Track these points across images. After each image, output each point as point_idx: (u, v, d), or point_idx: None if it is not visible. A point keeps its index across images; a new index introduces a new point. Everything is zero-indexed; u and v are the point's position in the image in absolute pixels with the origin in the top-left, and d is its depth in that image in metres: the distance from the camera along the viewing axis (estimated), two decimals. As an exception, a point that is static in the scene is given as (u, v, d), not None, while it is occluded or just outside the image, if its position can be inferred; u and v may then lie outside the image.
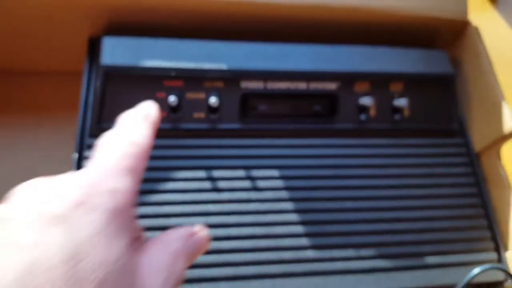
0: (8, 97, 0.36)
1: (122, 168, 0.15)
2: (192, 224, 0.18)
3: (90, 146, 0.28)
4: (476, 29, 0.33)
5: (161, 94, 0.29)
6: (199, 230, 0.17)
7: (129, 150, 0.16)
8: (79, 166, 0.27)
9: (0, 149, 0.34)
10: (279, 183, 0.29)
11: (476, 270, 0.26)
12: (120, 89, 0.28)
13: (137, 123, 0.18)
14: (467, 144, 0.32)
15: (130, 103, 0.28)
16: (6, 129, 0.35)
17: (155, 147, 0.29)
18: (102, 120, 0.28)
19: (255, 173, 0.29)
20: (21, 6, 0.29)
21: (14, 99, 0.36)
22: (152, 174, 0.28)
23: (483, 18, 0.47)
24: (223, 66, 0.30)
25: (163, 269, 0.15)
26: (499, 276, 0.28)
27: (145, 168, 0.17)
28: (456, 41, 0.35)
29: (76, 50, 0.32)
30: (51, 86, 0.37)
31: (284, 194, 0.29)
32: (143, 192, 0.27)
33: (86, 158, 0.27)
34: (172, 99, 0.28)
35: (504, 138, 0.30)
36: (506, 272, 0.27)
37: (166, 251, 0.15)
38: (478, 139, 0.32)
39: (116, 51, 0.29)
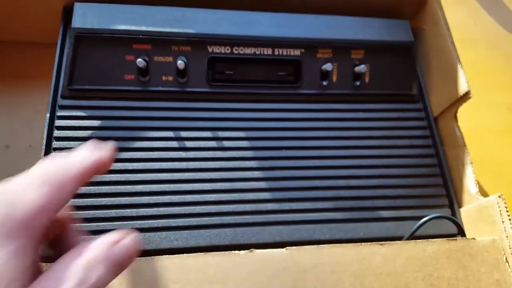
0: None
1: (42, 181, 0.15)
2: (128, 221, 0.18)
3: (62, 107, 0.29)
4: (437, 1, 0.34)
5: (129, 57, 0.30)
6: (124, 236, 0.17)
7: (59, 168, 0.16)
8: (50, 126, 0.29)
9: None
10: (243, 143, 0.30)
11: (426, 218, 0.28)
12: (91, 51, 0.30)
13: (84, 152, 0.18)
14: (426, 108, 0.34)
15: (100, 66, 0.30)
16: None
17: (126, 108, 0.30)
18: (73, 83, 0.29)
19: (221, 134, 0.30)
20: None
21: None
22: (122, 133, 0.29)
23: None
24: (190, 30, 0.31)
25: (71, 277, 0.14)
26: (451, 229, 0.30)
27: (75, 194, 0.17)
28: (419, 12, 0.36)
29: (54, 20, 0.34)
30: (32, 56, 0.38)
31: (247, 153, 0.30)
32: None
33: (59, 117, 0.29)
34: (141, 61, 0.30)
35: (460, 100, 0.31)
36: (455, 222, 0.29)
37: (78, 259, 0.15)
38: (437, 104, 0.34)
39: (87, 16, 0.30)
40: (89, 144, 0.18)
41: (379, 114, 0.33)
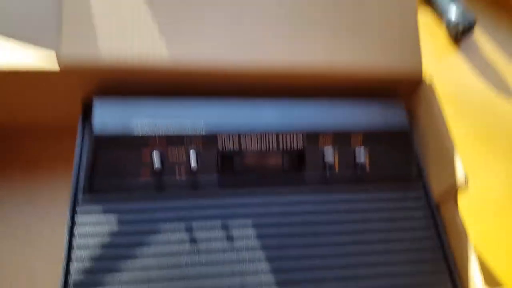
0: (4, 153, 0.40)
1: None
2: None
3: (83, 207, 0.31)
4: (430, 85, 0.37)
5: (145, 152, 0.33)
6: None
7: None
8: (71, 228, 0.30)
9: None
10: (253, 242, 0.31)
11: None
12: (109, 152, 0.32)
13: None
14: (426, 194, 0.35)
15: (118, 166, 0.32)
16: (3, 184, 0.38)
17: (141, 211, 0.31)
18: (93, 182, 0.31)
19: (232, 232, 0.32)
20: (15, 75, 0.33)
21: (11, 154, 0.39)
22: (138, 238, 0.30)
23: (446, 62, 0.51)
24: (201, 127, 0.33)
25: None
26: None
27: None
28: (413, 93, 0.39)
29: (71, 107, 0.36)
30: (47, 141, 0.40)
31: (256, 253, 0.31)
32: (126, 257, 0.30)
33: (79, 224, 0.30)
34: (156, 158, 0.32)
35: (458, 188, 0.33)
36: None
37: None
38: (437, 189, 0.35)
39: (106, 115, 0.32)
40: None
41: (381, 204, 0.34)
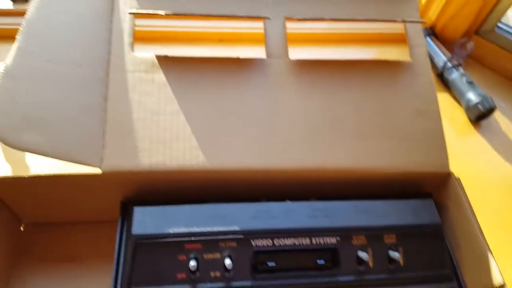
0: (45, 248, 0.41)
1: None
2: None
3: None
4: (457, 181, 0.37)
5: (182, 257, 0.33)
6: None
7: None
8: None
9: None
10: None
11: None
12: (148, 255, 0.33)
13: None
14: (461, 288, 0.35)
15: (155, 267, 0.33)
16: (46, 277, 0.39)
17: None
18: (132, 283, 0.32)
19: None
20: (62, 178, 0.35)
21: (51, 249, 0.41)
22: None
23: (467, 142, 0.52)
24: (235, 228, 0.34)
25: None
26: None
27: None
28: (441, 187, 0.39)
29: (110, 205, 0.38)
30: (85, 235, 0.42)
31: None
32: None
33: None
34: (192, 262, 0.32)
35: (495, 288, 0.33)
36: None
37: None
38: (472, 285, 0.35)
39: (145, 221, 0.34)
40: None
41: None
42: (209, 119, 0.36)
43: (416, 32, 0.38)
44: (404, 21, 0.37)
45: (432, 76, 0.38)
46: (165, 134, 0.35)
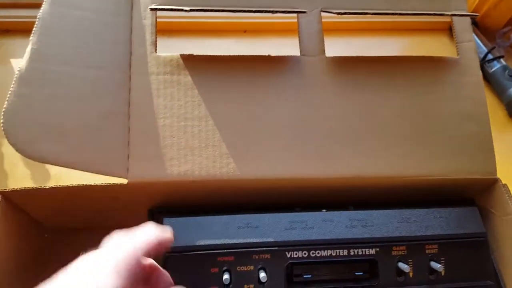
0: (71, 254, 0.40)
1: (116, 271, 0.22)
2: None
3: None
4: (505, 187, 0.35)
5: (214, 269, 0.32)
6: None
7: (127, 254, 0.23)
8: None
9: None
10: None
11: None
12: (179, 268, 0.31)
13: (148, 230, 0.26)
14: (505, 301, 0.34)
15: (187, 280, 0.32)
16: None
17: None
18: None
19: None
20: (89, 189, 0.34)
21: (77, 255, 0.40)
22: None
23: (508, 142, 0.49)
24: (269, 239, 0.33)
25: None
26: None
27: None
28: (486, 193, 0.37)
29: (138, 211, 0.36)
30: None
31: None
32: None
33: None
34: (225, 275, 0.31)
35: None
36: None
37: None
38: (517, 298, 0.33)
39: (174, 233, 0.32)
40: (151, 223, 0.26)
41: None
42: (240, 124, 0.34)
43: (464, 26, 0.35)
44: (452, 15, 0.34)
45: (481, 75, 0.34)
46: (193, 141, 0.33)
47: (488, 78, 0.55)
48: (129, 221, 0.39)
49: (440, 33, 0.56)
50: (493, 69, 0.54)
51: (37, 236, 0.40)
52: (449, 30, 0.56)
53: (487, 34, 0.58)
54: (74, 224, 0.40)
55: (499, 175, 0.35)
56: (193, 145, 0.33)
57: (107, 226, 0.42)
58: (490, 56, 0.54)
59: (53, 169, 0.44)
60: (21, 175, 0.45)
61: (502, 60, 0.54)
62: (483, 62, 0.54)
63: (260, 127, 0.34)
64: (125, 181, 0.32)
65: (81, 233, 0.41)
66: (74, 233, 0.41)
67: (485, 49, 0.55)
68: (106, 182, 0.32)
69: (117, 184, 0.32)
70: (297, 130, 0.34)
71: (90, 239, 0.42)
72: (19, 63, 0.32)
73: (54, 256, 0.40)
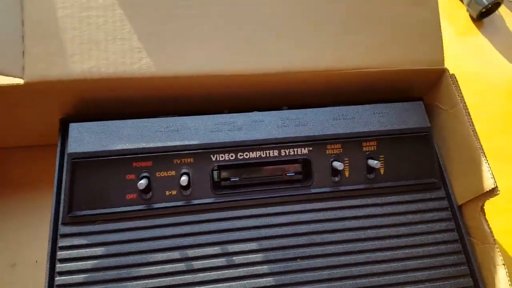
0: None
1: None
2: None
3: (63, 235, 0.28)
4: (453, 77, 0.32)
5: (130, 176, 0.29)
6: None
7: None
8: (52, 256, 0.28)
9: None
10: (255, 256, 0.29)
11: None
12: (89, 175, 0.28)
13: None
14: (449, 197, 0.32)
15: (100, 188, 0.29)
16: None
17: (129, 229, 0.29)
18: (73, 209, 0.28)
19: (230, 247, 0.29)
20: None
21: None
22: (127, 259, 0.28)
23: (467, 42, 0.46)
24: (192, 142, 0.29)
25: None
26: None
27: None
28: (434, 87, 0.34)
29: (50, 126, 0.33)
30: (34, 160, 0.37)
31: (260, 268, 0.28)
32: (120, 279, 0.27)
33: (61, 248, 0.28)
34: (142, 179, 0.28)
35: (486, 194, 0.29)
36: None
37: None
38: (461, 193, 0.31)
39: (83, 138, 0.29)
40: None
41: (397, 208, 0.31)
42: (154, 13, 0.29)
43: None
44: None
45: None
46: (98, 34, 0.29)
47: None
48: (41, 132, 0.35)
49: None
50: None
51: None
52: None
53: None
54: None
55: (457, 75, 0.32)
56: (98, 38, 0.29)
57: (24, 145, 0.38)
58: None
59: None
60: None
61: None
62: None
63: (178, 16, 0.29)
64: (21, 81, 0.28)
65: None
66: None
67: None
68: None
69: (11, 85, 0.28)
70: (221, 19, 0.29)
71: (11, 159, 0.39)
72: None
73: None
